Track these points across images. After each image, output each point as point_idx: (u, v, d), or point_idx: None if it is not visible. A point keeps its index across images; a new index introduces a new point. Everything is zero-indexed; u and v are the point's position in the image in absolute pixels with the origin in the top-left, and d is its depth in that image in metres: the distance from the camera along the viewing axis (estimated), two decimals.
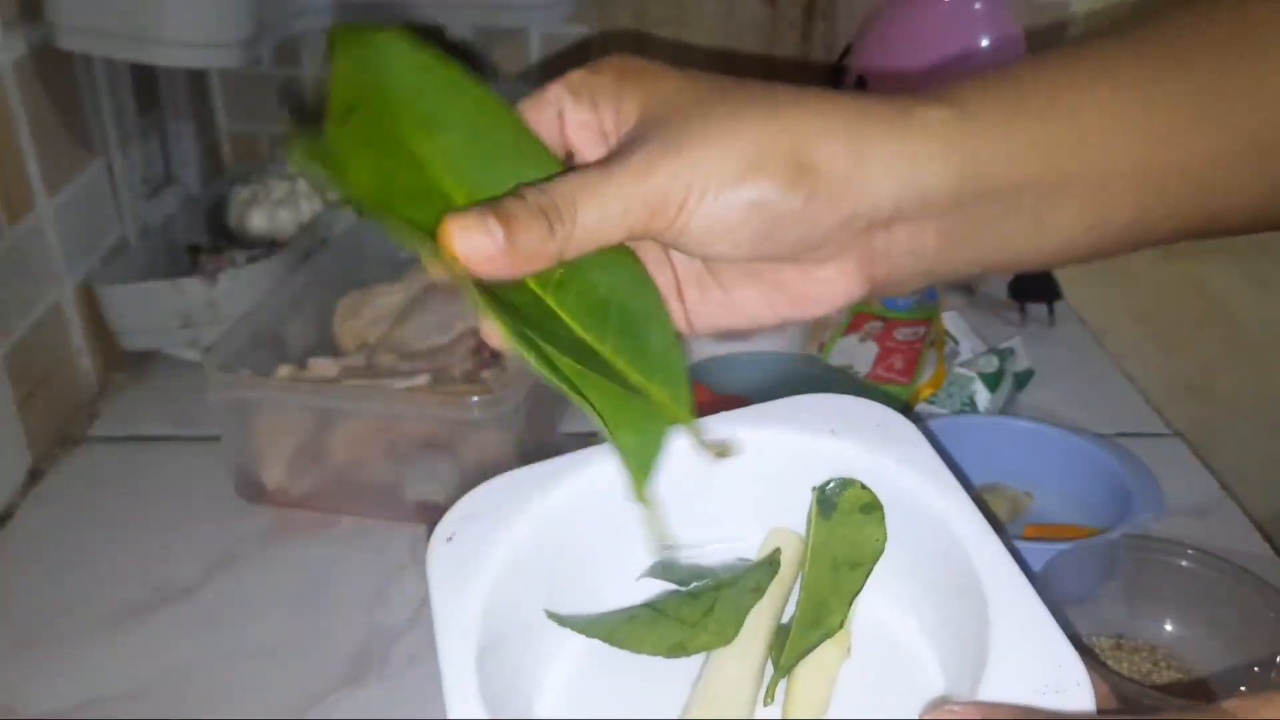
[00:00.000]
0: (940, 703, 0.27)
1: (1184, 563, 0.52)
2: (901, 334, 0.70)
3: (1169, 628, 0.52)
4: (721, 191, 0.29)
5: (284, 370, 0.62)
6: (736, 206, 0.29)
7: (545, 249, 0.29)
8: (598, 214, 0.29)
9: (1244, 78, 0.32)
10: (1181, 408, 1.00)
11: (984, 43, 0.78)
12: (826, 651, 0.33)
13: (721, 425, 0.37)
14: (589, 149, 0.32)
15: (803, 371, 0.66)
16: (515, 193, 0.29)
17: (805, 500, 0.36)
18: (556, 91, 0.32)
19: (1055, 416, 0.69)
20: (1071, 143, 0.31)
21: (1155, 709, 0.42)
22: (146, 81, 0.76)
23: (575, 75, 0.32)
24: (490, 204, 0.29)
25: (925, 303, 0.74)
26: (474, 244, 0.28)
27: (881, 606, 0.35)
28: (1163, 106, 0.32)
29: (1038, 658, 0.29)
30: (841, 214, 0.30)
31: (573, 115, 0.32)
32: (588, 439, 0.68)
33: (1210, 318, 1.03)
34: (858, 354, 0.69)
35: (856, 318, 0.73)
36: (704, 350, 0.67)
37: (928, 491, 0.35)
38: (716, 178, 0.29)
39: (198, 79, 0.86)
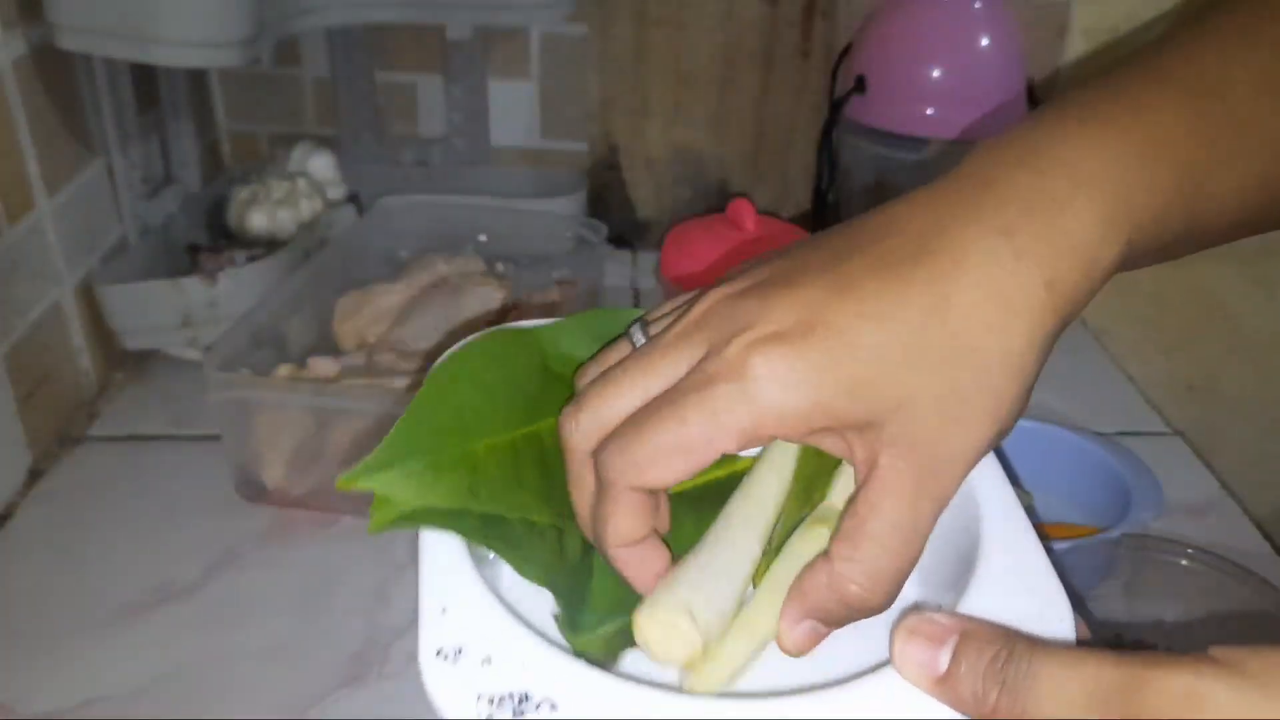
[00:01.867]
0: (915, 609, 0.27)
1: (1184, 561, 0.52)
2: None
3: (1168, 626, 0.52)
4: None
5: (284, 370, 0.62)
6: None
7: (843, 622, 0.30)
8: (873, 595, 0.29)
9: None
10: (1181, 407, 1.01)
11: (984, 43, 0.78)
12: (808, 538, 0.32)
13: None
14: None
15: None
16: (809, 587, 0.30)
17: None
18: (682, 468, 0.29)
19: (1055, 415, 0.69)
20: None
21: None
22: (146, 81, 0.76)
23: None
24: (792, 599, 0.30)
25: None
26: (799, 638, 0.30)
27: None
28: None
29: (1024, 590, 0.29)
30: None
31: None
32: None
33: (1210, 318, 1.03)
34: None
35: None
36: None
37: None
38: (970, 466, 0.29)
39: (198, 78, 0.86)
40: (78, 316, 0.68)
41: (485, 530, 0.32)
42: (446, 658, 0.28)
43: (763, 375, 0.27)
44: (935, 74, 0.77)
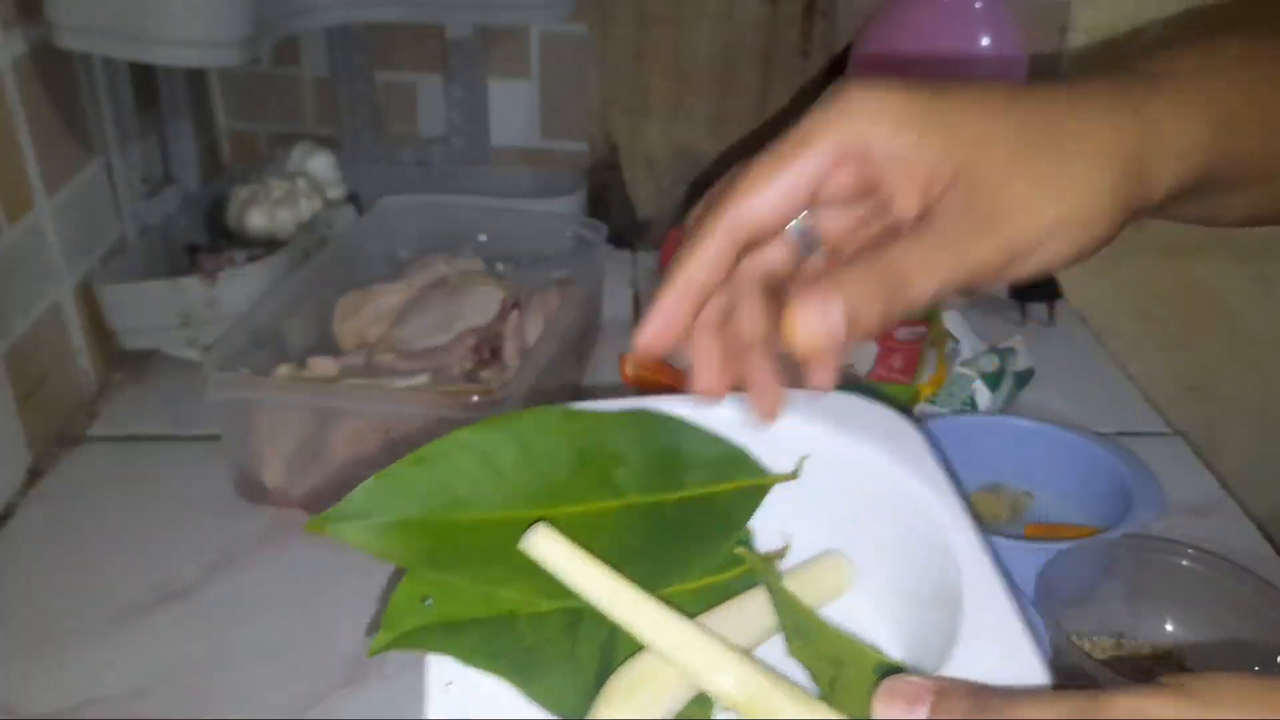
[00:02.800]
0: (894, 676, 0.28)
1: (1184, 562, 0.52)
2: (902, 334, 0.70)
3: (1170, 627, 0.52)
4: (1039, 254, 0.32)
5: (283, 370, 0.62)
6: (1055, 258, 0.32)
7: (875, 316, 0.30)
8: (923, 287, 0.31)
9: None
10: (1182, 407, 1.00)
11: (984, 41, 0.78)
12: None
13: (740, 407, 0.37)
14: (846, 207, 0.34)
15: None
16: (857, 260, 0.31)
17: (806, 492, 0.37)
18: (818, 166, 0.32)
19: (1056, 416, 0.69)
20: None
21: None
22: (146, 80, 0.76)
23: (845, 129, 0.32)
24: (831, 279, 0.30)
25: None
26: (812, 323, 0.30)
27: (860, 607, 0.36)
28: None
29: (1001, 653, 0.29)
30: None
31: (841, 184, 0.32)
32: None
33: (1211, 317, 1.03)
34: (858, 353, 0.69)
35: None
36: None
37: (924, 494, 0.35)
38: (1037, 245, 0.32)
39: (197, 78, 0.86)
40: (77, 316, 0.68)
41: (489, 648, 0.32)
42: None
43: None
44: (935, 73, 0.77)
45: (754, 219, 0.32)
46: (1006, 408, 0.69)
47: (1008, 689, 0.26)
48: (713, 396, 0.35)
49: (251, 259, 0.71)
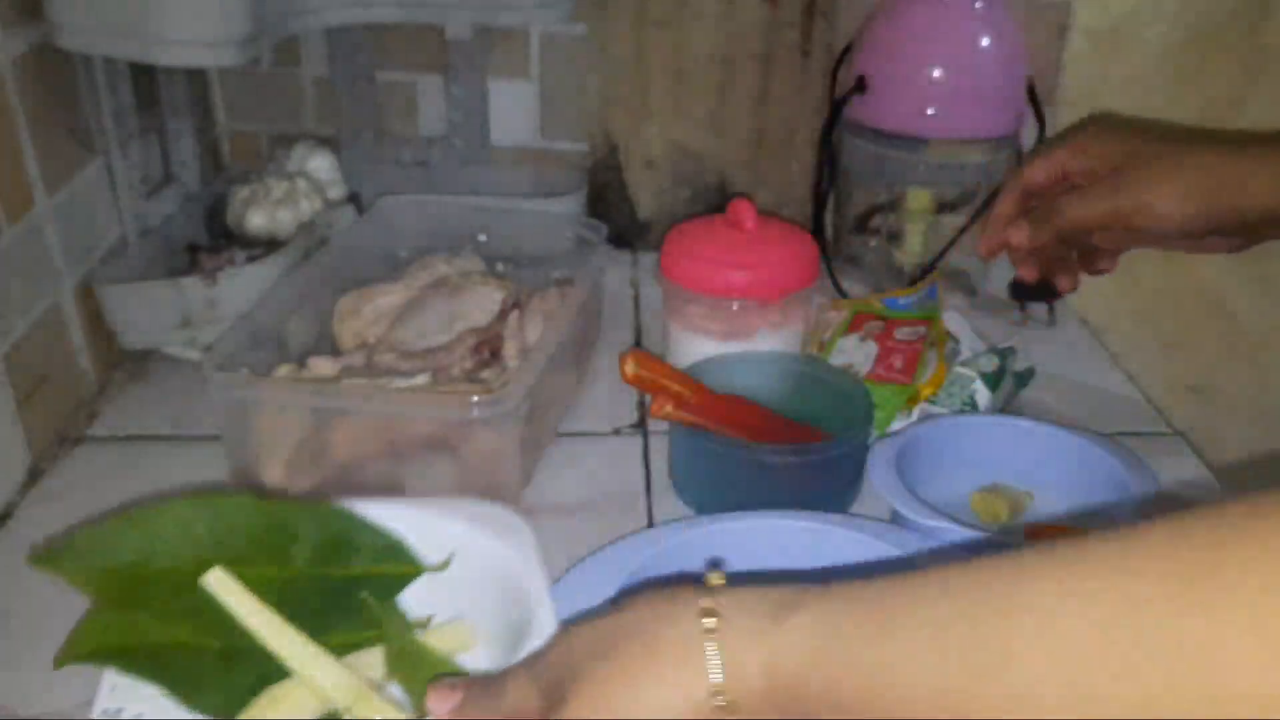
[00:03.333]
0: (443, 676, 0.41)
1: None
2: (902, 334, 0.70)
3: None
4: (1161, 211, 0.55)
5: (283, 370, 0.62)
6: (1170, 221, 0.55)
7: (1044, 234, 0.59)
8: (1080, 212, 0.57)
9: None
10: (1182, 407, 1.00)
11: (984, 42, 0.78)
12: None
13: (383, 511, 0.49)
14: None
15: (803, 371, 0.66)
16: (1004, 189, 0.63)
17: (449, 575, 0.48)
18: (1064, 155, 0.60)
19: (1056, 415, 0.69)
20: None
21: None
22: (146, 80, 0.76)
23: (1075, 146, 0.59)
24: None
25: (925, 303, 0.74)
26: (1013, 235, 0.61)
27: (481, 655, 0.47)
28: None
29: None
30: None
31: (1074, 165, 0.59)
32: (586, 437, 0.68)
33: (1211, 317, 1.03)
34: (858, 354, 0.69)
35: (856, 318, 0.73)
36: (705, 351, 0.67)
37: (519, 571, 0.46)
38: (1159, 203, 0.54)
39: (197, 78, 0.86)
40: (77, 316, 0.68)
41: (154, 665, 0.41)
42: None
43: None
44: (935, 74, 0.77)
45: (1031, 183, 0.61)
46: (1006, 408, 0.70)
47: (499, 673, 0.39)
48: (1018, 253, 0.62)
49: (251, 259, 0.71)
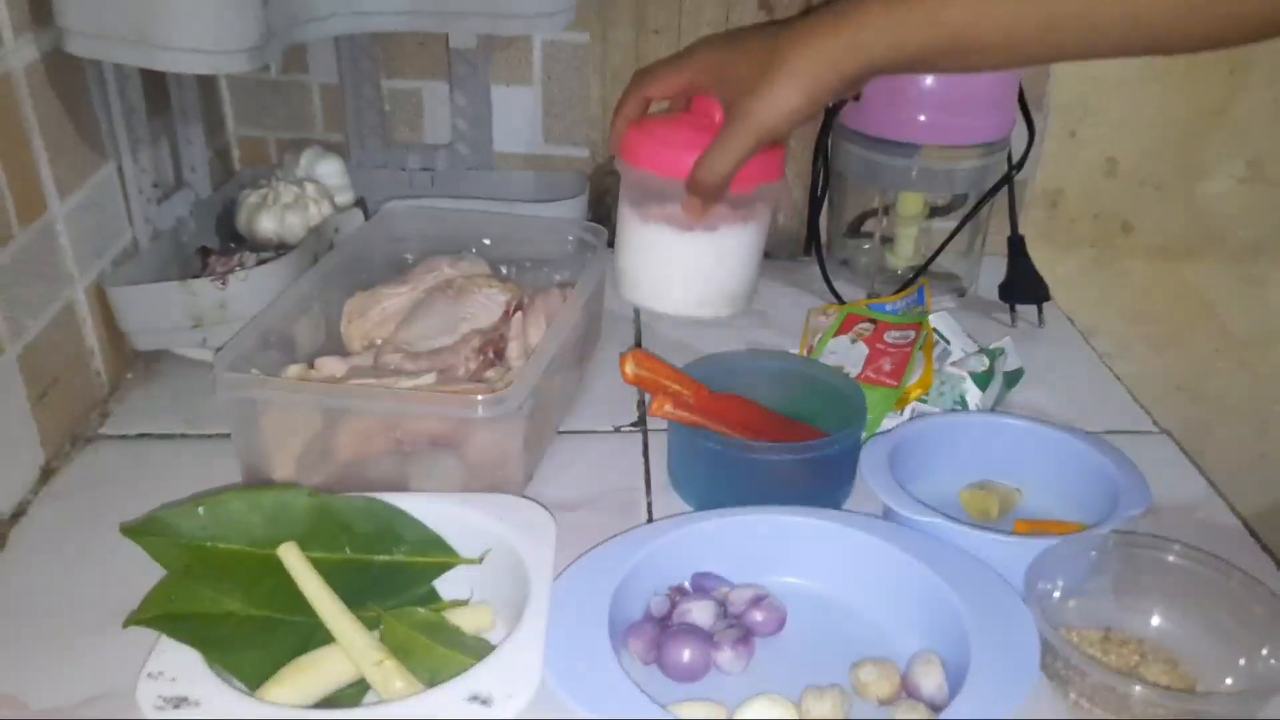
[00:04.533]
0: None
1: (1171, 558, 0.53)
2: (891, 336, 0.71)
3: (1156, 621, 0.53)
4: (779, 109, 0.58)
5: (292, 370, 0.63)
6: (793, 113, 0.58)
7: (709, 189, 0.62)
8: (719, 165, 0.60)
9: None
10: (1169, 406, 1.02)
11: None
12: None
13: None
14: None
15: (798, 370, 0.67)
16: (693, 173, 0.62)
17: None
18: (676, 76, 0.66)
19: (1045, 415, 0.70)
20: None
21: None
22: (156, 86, 0.76)
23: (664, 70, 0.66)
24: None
25: (914, 306, 0.75)
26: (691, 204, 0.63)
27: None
28: None
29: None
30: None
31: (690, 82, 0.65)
32: (586, 436, 0.69)
33: (1198, 317, 1.04)
34: (849, 355, 0.70)
35: (847, 319, 0.74)
36: (664, 243, 0.67)
37: (529, 555, 0.51)
38: (777, 101, 0.58)
39: (207, 84, 0.87)
40: (90, 318, 0.69)
41: (200, 632, 0.46)
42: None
43: None
44: (928, 81, 0.78)
45: (651, 94, 0.66)
46: (996, 407, 0.71)
47: None
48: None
49: (261, 262, 0.72)
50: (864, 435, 0.63)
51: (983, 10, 0.52)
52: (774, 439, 0.61)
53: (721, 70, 0.62)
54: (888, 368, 0.68)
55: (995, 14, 0.52)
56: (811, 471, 0.60)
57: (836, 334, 0.72)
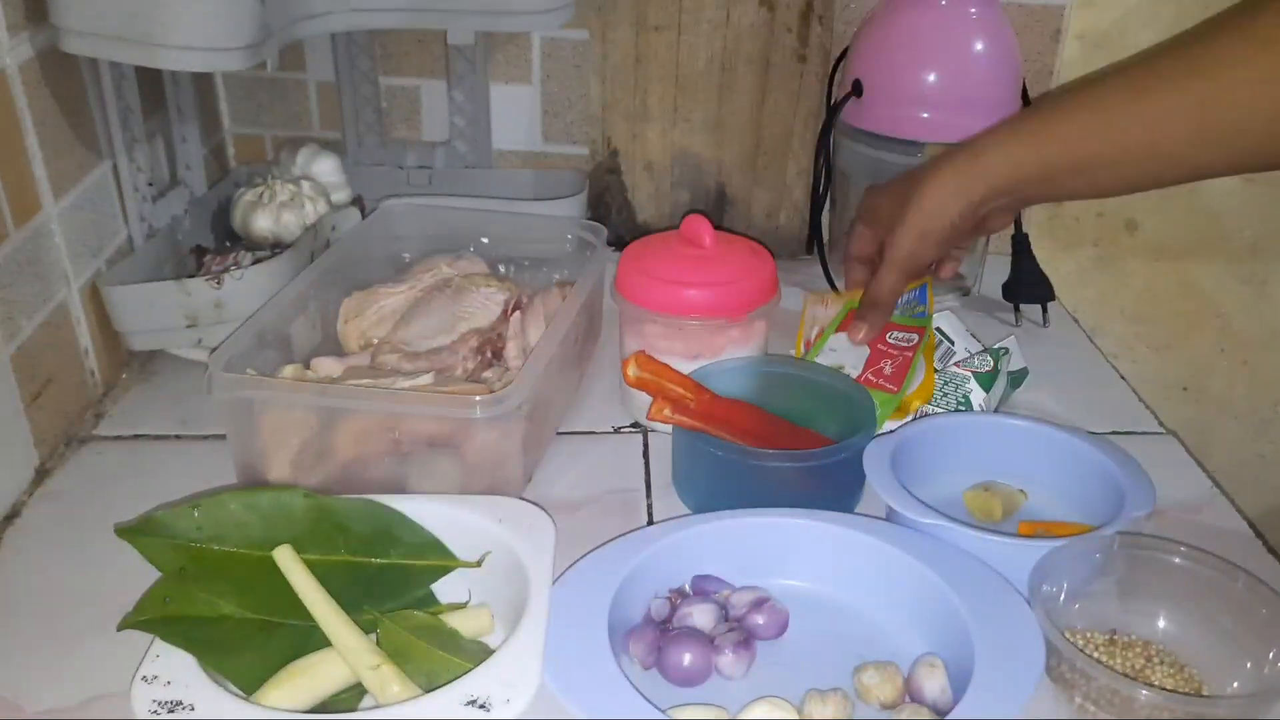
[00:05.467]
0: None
1: (1176, 559, 0.53)
2: (894, 337, 0.70)
3: (1162, 623, 0.53)
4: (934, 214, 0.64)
5: (289, 370, 0.62)
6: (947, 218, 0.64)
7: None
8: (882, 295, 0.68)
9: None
10: (1174, 406, 1.02)
11: (979, 47, 0.79)
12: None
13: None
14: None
15: (799, 375, 0.66)
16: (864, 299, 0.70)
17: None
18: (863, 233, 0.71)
19: (1049, 415, 0.69)
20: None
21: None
22: (152, 84, 0.76)
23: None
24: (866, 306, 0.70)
25: (915, 305, 0.75)
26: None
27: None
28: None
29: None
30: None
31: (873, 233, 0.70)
32: (586, 437, 0.69)
33: (1201, 317, 1.04)
34: (850, 353, 0.69)
35: (849, 315, 0.73)
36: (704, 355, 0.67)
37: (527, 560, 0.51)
38: (930, 210, 0.64)
39: (203, 81, 0.87)
40: (85, 317, 0.69)
41: (195, 635, 0.45)
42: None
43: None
44: (931, 78, 0.78)
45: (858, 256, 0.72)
46: (1001, 407, 0.70)
47: None
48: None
49: (257, 261, 0.72)
50: None
51: (1090, 128, 0.57)
52: (778, 445, 0.60)
53: (874, 213, 0.68)
54: (888, 370, 0.67)
55: (1102, 129, 0.56)
56: (820, 479, 0.59)
57: (837, 330, 0.71)
